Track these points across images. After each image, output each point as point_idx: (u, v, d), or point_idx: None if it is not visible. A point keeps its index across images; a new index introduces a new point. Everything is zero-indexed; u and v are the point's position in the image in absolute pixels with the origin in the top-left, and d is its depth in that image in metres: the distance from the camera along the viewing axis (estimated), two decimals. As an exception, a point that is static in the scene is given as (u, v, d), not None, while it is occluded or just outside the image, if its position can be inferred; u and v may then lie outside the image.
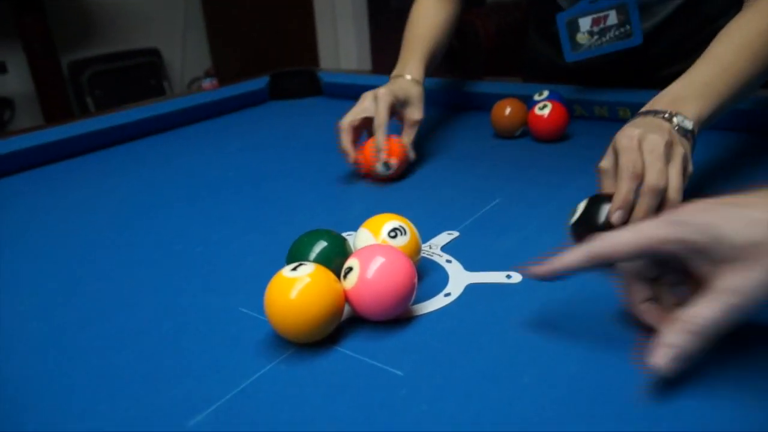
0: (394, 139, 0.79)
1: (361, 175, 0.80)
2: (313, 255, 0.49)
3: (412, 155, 0.80)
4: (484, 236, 0.62)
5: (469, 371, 0.42)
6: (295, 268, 0.45)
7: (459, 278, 0.54)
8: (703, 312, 0.36)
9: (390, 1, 2.89)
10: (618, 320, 0.47)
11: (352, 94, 1.25)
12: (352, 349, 0.45)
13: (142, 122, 1.07)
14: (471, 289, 0.53)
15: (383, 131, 0.77)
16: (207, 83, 1.27)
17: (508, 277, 0.54)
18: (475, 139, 0.95)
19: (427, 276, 0.55)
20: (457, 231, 0.63)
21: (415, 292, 0.47)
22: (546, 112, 0.86)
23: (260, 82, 1.28)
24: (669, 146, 0.52)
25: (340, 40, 2.96)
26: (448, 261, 0.57)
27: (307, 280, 0.44)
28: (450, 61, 2.79)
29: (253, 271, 0.59)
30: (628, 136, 0.53)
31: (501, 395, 0.40)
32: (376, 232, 0.52)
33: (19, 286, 0.58)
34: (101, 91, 2.80)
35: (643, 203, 0.50)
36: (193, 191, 0.82)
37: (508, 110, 0.90)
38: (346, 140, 0.78)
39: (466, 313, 0.49)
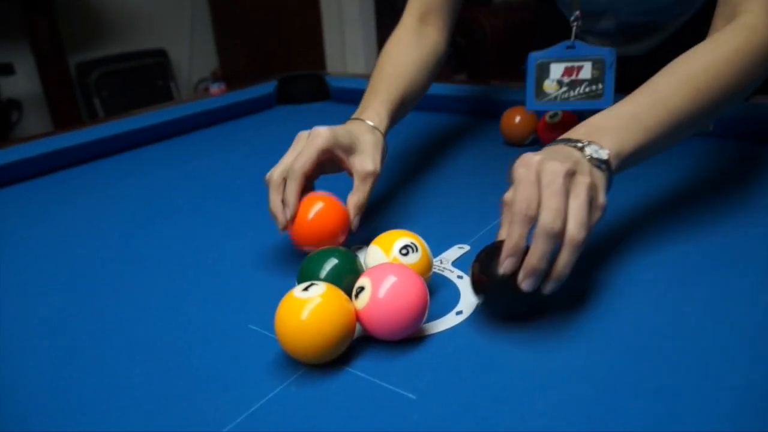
0: (332, 200, 0.58)
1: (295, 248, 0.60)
2: (323, 273, 0.49)
3: (354, 223, 0.60)
4: (495, 250, 0.62)
5: (482, 395, 0.42)
6: (306, 288, 0.45)
7: (470, 295, 0.53)
8: None
9: (397, 1, 2.88)
10: (638, 339, 0.46)
11: (360, 99, 1.25)
12: (363, 370, 0.45)
13: (150, 129, 1.07)
14: (483, 306, 0.52)
15: (296, 181, 0.57)
16: (215, 88, 1.26)
17: (521, 294, 0.53)
18: (484, 146, 0.94)
19: (438, 292, 0.55)
20: (468, 245, 0.62)
21: (427, 312, 0.47)
22: (556, 120, 0.85)
23: (268, 87, 1.28)
24: (570, 176, 0.45)
25: (347, 40, 2.95)
26: (459, 277, 0.57)
27: (319, 300, 0.44)
28: (457, 60, 2.78)
29: (263, 285, 0.58)
30: (525, 164, 0.46)
31: (515, 422, 0.39)
32: (386, 250, 0.51)
33: (27, 296, 0.58)
34: (108, 92, 2.80)
35: (536, 248, 0.44)
36: (202, 199, 0.82)
37: (517, 118, 0.90)
38: (275, 199, 0.58)
39: (478, 332, 0.49)
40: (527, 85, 0.80)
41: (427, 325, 0.49)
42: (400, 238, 0.52)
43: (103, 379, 0.46)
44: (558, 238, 0.44)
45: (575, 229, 0.44)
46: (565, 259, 0.44)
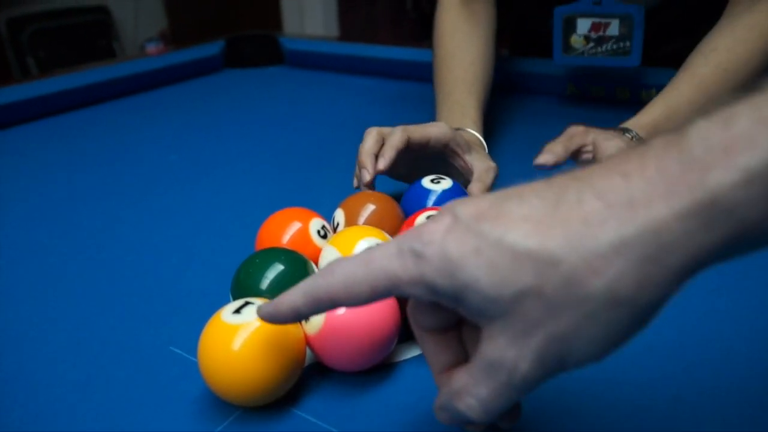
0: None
1: None
2: (265, 283, 0.38)
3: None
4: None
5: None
6: (238, 310, 0.34)
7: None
8: (473, 389, 0.25)
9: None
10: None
11: (317, 63, 1.12)
12: (315, 415, 0.34)
13: (73, 92, 0.93)
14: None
15: (398, 136, 0.53)
16: (152, 47, 1.12)
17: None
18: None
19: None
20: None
21: (397, 335, 0.37)
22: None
23: (215, 47, 1.14)
24: None
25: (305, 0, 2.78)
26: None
27: (255, 325, 0.33)
28: (422, 27, 2.65)
29: (194, 291, 0.47)
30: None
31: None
32: (346, 252, 0.40)
33: None
34: (45, 52, 2.57)
35: None
36: (126, 180, 0.69)
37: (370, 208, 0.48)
38: (370, 144, 0.53)
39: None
40: (554, 40, 0.78)
41: (398, 347, 0.39)
42: (363, 237, 0.41)
43: (-34, 430, 0.34)
44: None
45: None
46: None
